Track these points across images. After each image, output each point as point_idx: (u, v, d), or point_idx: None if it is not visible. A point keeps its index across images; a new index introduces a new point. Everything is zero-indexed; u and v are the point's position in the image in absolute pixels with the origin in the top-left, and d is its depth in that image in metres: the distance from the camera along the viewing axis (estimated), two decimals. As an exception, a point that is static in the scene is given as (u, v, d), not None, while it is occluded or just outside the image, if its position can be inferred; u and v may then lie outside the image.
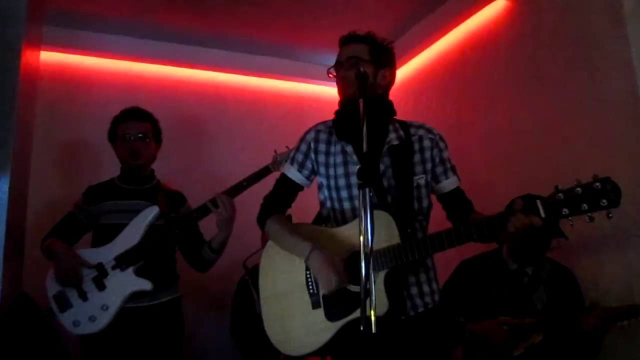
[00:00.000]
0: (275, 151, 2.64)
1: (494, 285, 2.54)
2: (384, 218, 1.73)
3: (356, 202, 1.83)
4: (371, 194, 1.80)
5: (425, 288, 1.85)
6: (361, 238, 1.37)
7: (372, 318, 1.30)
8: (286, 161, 2.05)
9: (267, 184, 2.48)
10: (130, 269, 2.44)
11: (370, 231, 1.36)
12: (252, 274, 3.21)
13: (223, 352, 3.54)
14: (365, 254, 1.35)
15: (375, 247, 1.68)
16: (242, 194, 2.55)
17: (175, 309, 2.60)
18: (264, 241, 3.20)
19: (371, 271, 1.35)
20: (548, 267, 2.57)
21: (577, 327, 2.31)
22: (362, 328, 1.32)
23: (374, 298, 1.33)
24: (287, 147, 2.62)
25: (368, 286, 1.32)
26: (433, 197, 1.97)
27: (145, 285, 2.43)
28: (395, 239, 1.71)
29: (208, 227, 2.66)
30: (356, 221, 1.72)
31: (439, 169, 1.91)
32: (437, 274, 1.94)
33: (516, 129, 3.21)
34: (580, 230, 2.62)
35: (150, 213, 2.51)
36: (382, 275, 1.70)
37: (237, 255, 3.12)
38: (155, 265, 2.51)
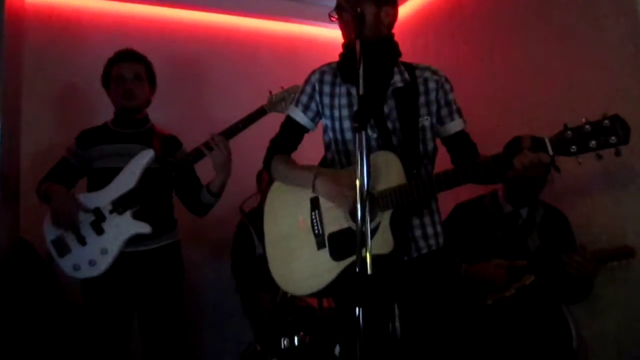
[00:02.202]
0: (270, 92, 2.61)
1: (489, 228, 2.58)
2: (390, 158, 1.76)
3: None
4: (375, 135, 1.84)
5: (429, 230, 1.89)
6: (357, 182, 1.38)
7: (368, 260, 1.33)
8: (291, 103, 2.05)
9: (263, 126, 2.47)
10: (128, 213, 2.45)
11: (366, 175, 1.38)
12: (250, 217, 3.28)
13: (221, 296, 3.62)
14: (362, 196, 1.36)
15: (381, 187, 1.75)
16: (238, 138, 2.53)
17: (175, 253, 2.63)
18: (261, 184, 3.30)
19: (367, 214, 1.37)
20: (542, 211, 2.59)
21: (564, 269, 2.37)
22: (357, 270, 1.35)
23: (369, 241, 1.35)
24: (282, 87, 2.60)
25: (364, 229, 1.34)
26: (438, 142, 1.98)
27: (144, 228, 2.45)
28: (401, 179, 1.74)
29: (204, 172, 2.67)
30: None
31: (444, 111, 1.92)
32: (441, 218, 1.98)
33: (516, 73, 3.16)
34: (574, 174, 2.64)
35: (146, 156, 2.49)
36: (388, 214, 1.73)
37: (233, 199, 3.16)
38: (153, 209, 2.52)
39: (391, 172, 1.75)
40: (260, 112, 2.56)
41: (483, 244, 2.57)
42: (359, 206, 1.37)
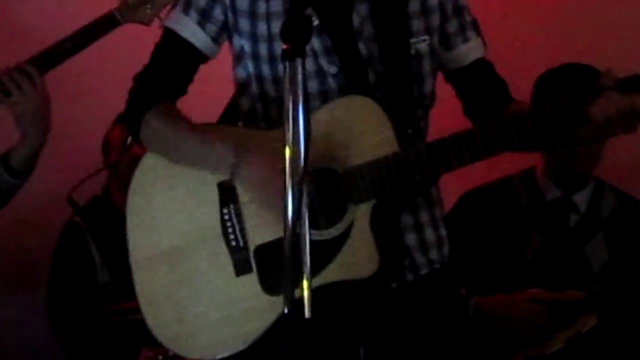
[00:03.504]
0: (124, -13, 2.56)
1: (519, 232, 2.63)
2: (367, 109, 1.77)
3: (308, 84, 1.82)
4: (335, 70, 1.83)
5: (429, 235, 1.90)
6: (286, 152, 1.35)
7: (305, 294, 1.32)
8: (176, 8, 1.98)
9: (113, 47, 2.43)
10: None
11: (303, 139, 1.35)
12: (87, 213, 3.22)
13: (32, 351, 3.60)
14: (294, 180, 1.34)
15: (353, 161, 1.76)
16: (68, 69, 2.51)
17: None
18: (109, 154, 3.23)
19: (304, 211, 1.35)
20: (612, 201, 2.66)
21: None
22: (285, 311, 1.33)
23: (307, 259, 1.33)
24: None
25: (302, 234, 1.32)
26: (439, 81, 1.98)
27: None
28: (389, 145, 1.76)
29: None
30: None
31: (452, 26, 1.93)
32: (443, 213, 2.00)
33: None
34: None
35: None
36: (366, 209, 1.75)
37: (56, 181, 3.15)
38: None
39: (370, 133, 1.77)
40: (107, 23, 2.53)
41: (509, 258, 2.61)
42: (289, 194, 1.35)
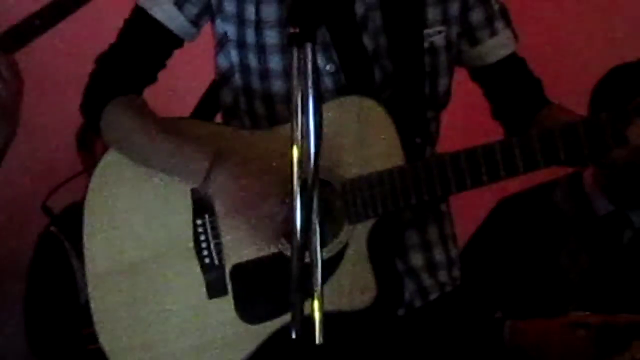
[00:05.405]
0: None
1: (563, 248, 2.63)
2: (369, 112, 1.77)
3: None
4: (332, 68, 1.82)
5: (438, 254, 1.90)
6: (294, 152, 1.35)
7: (317, 318, 1.31)
8: None
9: (83, 25, 2.43)
10: None
11: (314, 140, 1.35)
12: (65, 223, 3.24)
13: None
14: (303, 187, 1.34)
15: (349, 172, 1.75)
16: (38, 50, 2.53)
17: None
18: (93, 151, 3.27)
19: (315, 222, 1.35)
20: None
21: None
22: (293, 335, 1.33)
23: (318, 277, 1.33)
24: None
25: (311, 257, 1.32)
26: (459, 77, 1.97)
27: None
28: (393, 156, 1.75)
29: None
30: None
31: (477, 15, 1.92)
32: (454, 229, 1.99)
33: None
34: None
35: None
36: (364, 230, 1.75)
37: (29, 185, 3.19)
38: None
39: (371, 141, 1.77)
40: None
41: (551, 277, 2.61)
42: (296, 202, 1.35)
